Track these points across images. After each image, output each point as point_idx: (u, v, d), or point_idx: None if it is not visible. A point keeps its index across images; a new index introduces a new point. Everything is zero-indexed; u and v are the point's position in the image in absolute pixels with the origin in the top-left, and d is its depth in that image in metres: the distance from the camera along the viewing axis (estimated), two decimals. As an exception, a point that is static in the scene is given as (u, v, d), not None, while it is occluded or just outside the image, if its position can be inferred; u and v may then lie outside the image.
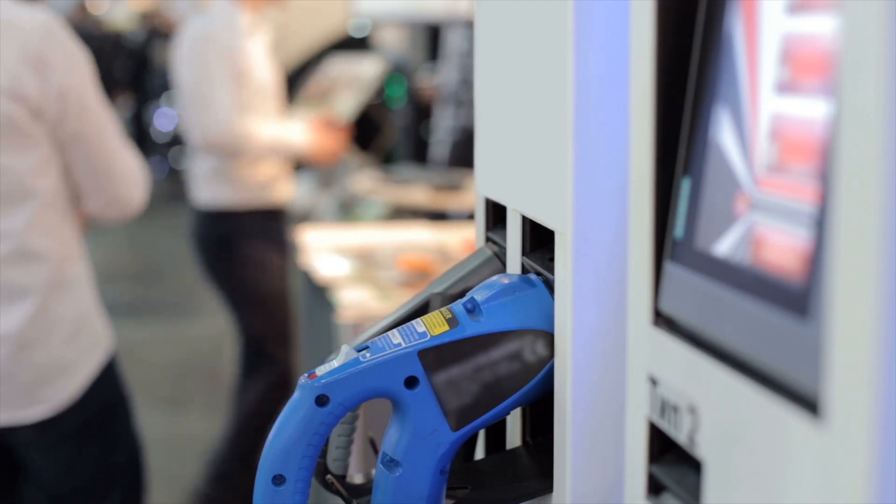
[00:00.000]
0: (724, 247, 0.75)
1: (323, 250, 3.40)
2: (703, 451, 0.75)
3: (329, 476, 1.18)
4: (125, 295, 7.12)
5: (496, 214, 1.23)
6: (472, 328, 1.04)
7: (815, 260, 0.64)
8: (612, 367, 0.99)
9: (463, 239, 3.48)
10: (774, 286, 0.68)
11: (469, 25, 5.53)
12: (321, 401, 1.02)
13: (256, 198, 3.77)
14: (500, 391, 1.04)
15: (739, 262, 0.72)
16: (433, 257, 3.26)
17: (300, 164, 4.51)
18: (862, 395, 0.58)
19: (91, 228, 2.60)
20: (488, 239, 1.24)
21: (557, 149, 1.00)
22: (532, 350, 1.04)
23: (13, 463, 2.36)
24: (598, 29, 0.96)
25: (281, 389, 3.71)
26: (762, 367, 0.69)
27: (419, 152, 6.34)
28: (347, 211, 4.65)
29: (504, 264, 1.19)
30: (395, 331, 1.05)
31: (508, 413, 1.07)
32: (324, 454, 1.18)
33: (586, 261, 0.98)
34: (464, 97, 5.76)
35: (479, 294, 1.07)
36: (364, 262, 3.27)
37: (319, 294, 3.13)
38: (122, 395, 2.44)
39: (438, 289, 1.20)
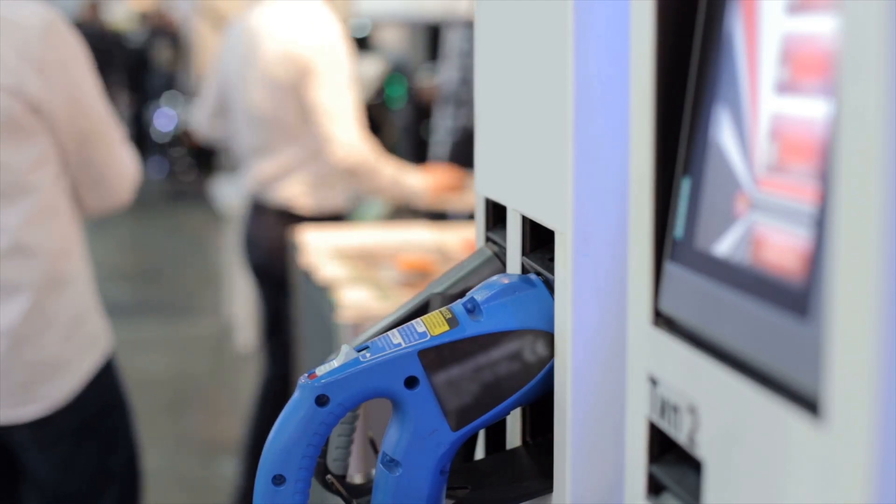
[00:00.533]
0: (724, 247, 0.75)
1: (323, 250, 3.40)
2: (703, 451, 0.75)
3: (329, 476, 1.18)
4: (125, 295, 7.13)
5: (496, 214, 1.23)
6: (472, 328, 1.04)
7: (815, 260, 0.64)
8: (612, 367, 0.99)
9: (463, 239, 3.47)
10: (774, 286, 0.68)
11: (469, 25, 5.53)
12: (321, 401, 1.02)
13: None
14: (500, 391, 1.04)
15: (739, 262, 0.72)
16: (433, 257, 3.26)
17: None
18: (862, 395, 0.58)
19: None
20: (488, 239, 1.24)
21: (557, 149, 1.00)
22: (532, 350, 1.04)
23: (12, 462, 2.36)
24: (598, 29, 0.96)
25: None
26: (762, 367, 0.69)
27: (419, 152, 6.34)
28: (348, 210, 4.65)
29: (504, 264, 1.19)
30: (395, 331, 1.05)
31: (508, 413, 1.07)
32: (324, 454, 1.18)
33: (586, 261, 0.98)
34: (464, 97, 5.76)
35: (479, 294, 1.07)
36: (364, 262, 3.27)
37: (319, 294, 3.13)
38: (120, 395, 2.43)
39: (438, 289, 1.20)
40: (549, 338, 1.05)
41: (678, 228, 0.81)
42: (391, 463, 1.04)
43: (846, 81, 0.59)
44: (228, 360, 5.92)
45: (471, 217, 2.20)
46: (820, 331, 0.62)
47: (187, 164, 11.12)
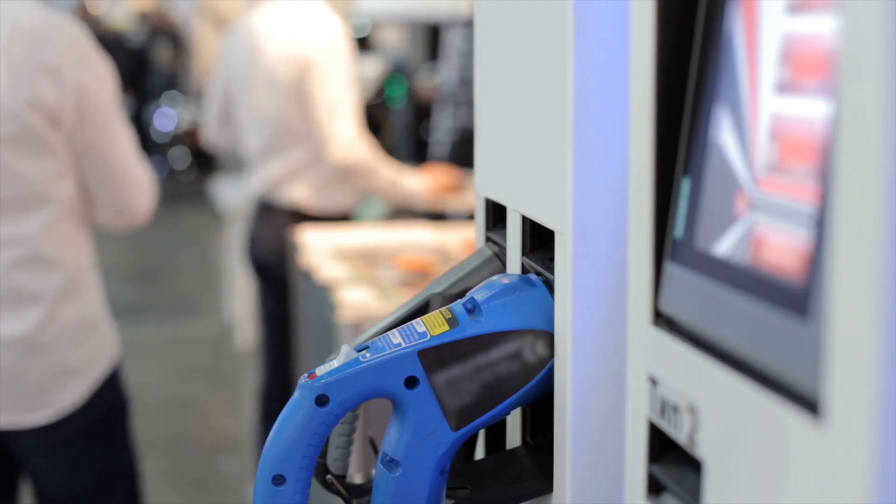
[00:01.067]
0: (724, 247, 0.74)
1: (323, 250, 3.40)
2: (703, 451, 0.75)
3: (329, 476, 1.18)
4: (125, 295, 7.12)
5: (496, 214, 1.23)
6: (472, 328, 1.04)
7: (815, 260, 0.64)
8: (612, 367, 0.99)
9: (463, 239, 3.47)
10: (774, 286, 0.68)
11: (469, 25, 5.53)
12: (321, 401, 1.02)
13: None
14: (500, 391, 1.04)
15: (739, 262, 0.72)
16: (433, 257, 3.25)
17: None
18: (862, 395, 0.58)
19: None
20: (488, 239, 1.24)
21: (557, 149, 1.00)
22: (532, 350, 1.04)
23: (13, 466, 2.36)
24: (598, 29, 0.96)
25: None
26: (762, 367, 0.69)
27: (419, 152, 6.34)
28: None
29: (504, 264, 1.19)
30: (395, 331, 1.05)
31: (508, 413, 1.07)
32: (324, 454, 1.18)
33: (586, 261, 0.98)
34: (464, 97, 5.76)
35: (479, 294, 1.07)
36: (364, 262, 3.27)
37: (319, 294, 3.13)
38: (125, 398, 2.45)
39: (438, 289, 1.20)
40: (549, 338, 1.05)
41: (678, 228, 0.81)
42: (391, 463, 1.04)
43: (846, 81, 0.59)
44: (228, 360, 5.91)
45: (471, 217, 2.20)
46: (820, 331, 0.62)
47: (187, 164, 11.12)
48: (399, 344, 1.03)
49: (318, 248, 3.42)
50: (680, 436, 0.78)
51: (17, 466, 2.36)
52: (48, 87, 2.16)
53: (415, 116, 6.68)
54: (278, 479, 1.02)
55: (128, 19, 12.63)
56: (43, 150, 2.19)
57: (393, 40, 8.09)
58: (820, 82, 0.65)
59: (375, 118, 5.99)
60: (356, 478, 1.23)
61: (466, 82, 5.78)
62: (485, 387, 1.04)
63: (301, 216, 3.69)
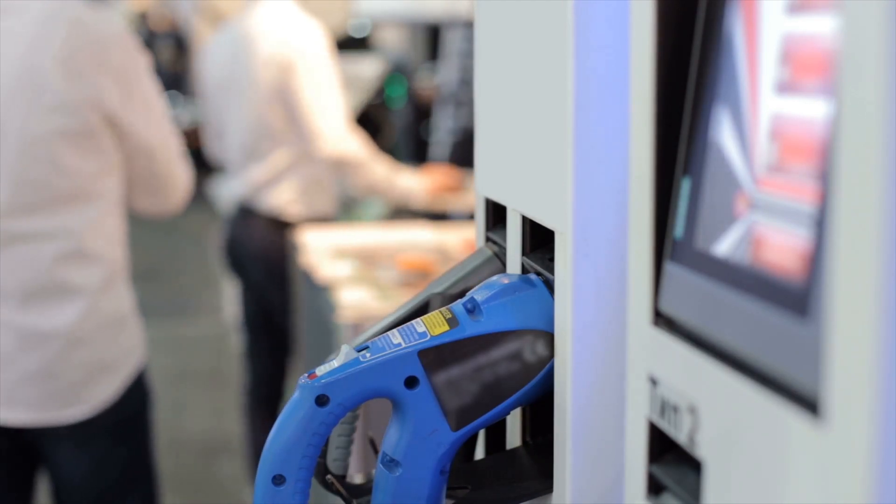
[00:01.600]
0: (724, 247, 0.74)
1: (323, 250, 3.40)
2: (703, 451, 0.75)
3: (329, 476, 1.18)
4: (125, 295, 7.11)
5: (496, 214, 1.23)
6: (472, 328, 1.04)
7: (815, 260, 0.64)
8: (612, 367, 0.99)
9: (463, 239, 3.47)
10: (774, 286, 0.68)
11: (469, 25, 5.53)
12: (321, 401, 1.02)
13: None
14: (500, 391, 1.04)
15: (739, 262, 0.72)
16: (433, 257, 3.26)
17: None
18: (862, 395, 0.58)
19: None
20: (488, 239, 1.24)
21: (557, 149, 1.00)
22: (532, 350, 1.04)
23: (33, 461, 2.38)
24: (598, 29, 0.96)
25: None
26: (762, 367, 0.69)
27: (419, 152, 6.34)
28: (347, 211, 4.65)
29: (504, 264, 1.19)
30: (395, 331, 1.05)
31: (508, 413, 1.07)
32: (324, 454, 1.18)
33: (586, 261, 0.98)
34: (464, 97, 5.76)
35: (479, 294, 1.07)
36: (364, 262, 3.27)
37: (319, 294, 3.13)
38: (150, 397, 2.50)
39: (438, 289, 1.20)
40: (549, 338, 1.05)
41: (678, 228, 0.81)
42: (391, 463, 1.04)
43: (846, 81, 0.59)
44: (228, 360, 5.91)
45: (471, 217, 2.20)
46: (820, 331, 0.62)
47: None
48: (399, 344, 1.03)
49: (317, 248, 3.42)
50: (680, 436, 0.78)
51: (36, 461, 2.38)
52: (107, 87, 2.22)
53: (415, 116, 6.68)
54: (278, 479, 1.02)
55: (128, 19, 12.63)
56: (96, 147, 2.25)
57: (393, 40, 8.09)
58: (820, 82, 0.65)
59: (375, 118, 5.99)
60: (356, 478, 1.23)
61: (466, 82, 5.78)
62: (485, 387, 1.04)
63: (281, 221, 3.71)
